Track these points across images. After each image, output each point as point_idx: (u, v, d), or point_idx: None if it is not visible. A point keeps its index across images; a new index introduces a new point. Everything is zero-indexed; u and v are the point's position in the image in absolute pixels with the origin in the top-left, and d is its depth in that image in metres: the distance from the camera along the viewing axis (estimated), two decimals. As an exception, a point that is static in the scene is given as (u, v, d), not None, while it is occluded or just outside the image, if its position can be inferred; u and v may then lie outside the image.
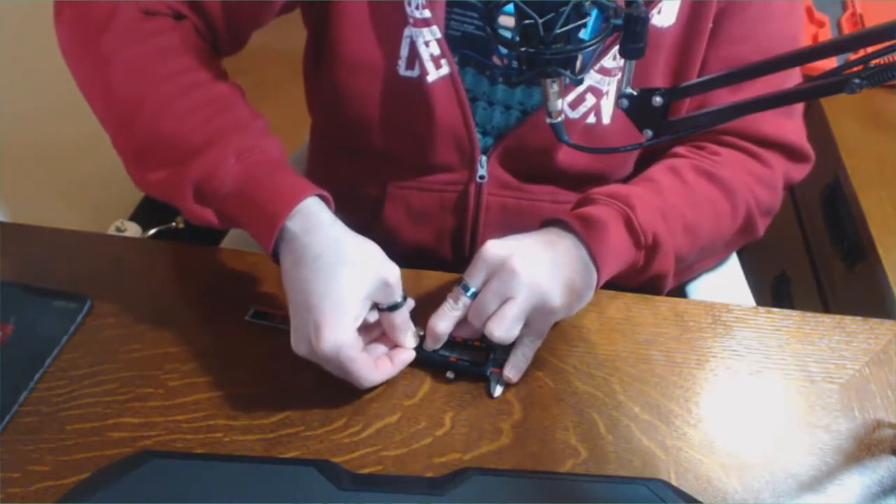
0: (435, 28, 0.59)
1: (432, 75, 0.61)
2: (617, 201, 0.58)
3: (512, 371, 0.54)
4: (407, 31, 0.60)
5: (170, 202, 0.58)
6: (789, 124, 0.67)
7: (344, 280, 0.50)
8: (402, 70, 0.62)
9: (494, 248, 0.53)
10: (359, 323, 0.51)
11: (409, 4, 0.59)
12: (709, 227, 0.63)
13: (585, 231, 0.55)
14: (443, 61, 0.61)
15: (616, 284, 0.60)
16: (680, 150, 0.67)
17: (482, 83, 0.64)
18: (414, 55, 0.61)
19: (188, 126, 0.55)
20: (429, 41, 0.60)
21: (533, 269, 0.52)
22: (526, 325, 0.53)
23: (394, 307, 0.53)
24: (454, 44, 0.62)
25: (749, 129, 0.65)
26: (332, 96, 0.67)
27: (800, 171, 0.68)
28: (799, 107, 0.68)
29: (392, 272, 0.52)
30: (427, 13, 0.59)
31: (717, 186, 0.63)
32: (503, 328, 0.51)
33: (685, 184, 0.62)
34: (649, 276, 0.61)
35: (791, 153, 0.67)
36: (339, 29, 0.62)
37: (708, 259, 0.69)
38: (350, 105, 0.67)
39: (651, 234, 0.58)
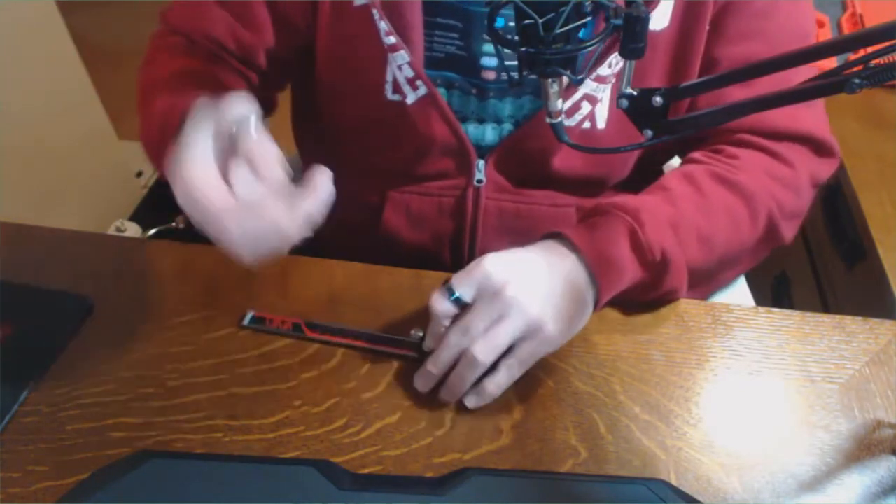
0: (403, 53, 0.60)
1: (410, 97, 0.62)
2: (626, 214, 0.56)
3: (472, 399, 0.52)
4: (388, 58, 0.61)
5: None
6: (807, 114, 0.63)
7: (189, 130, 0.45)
8: (388, 94, 0.63)
9: (493, 269, 0.51)
10: (212, 155, 0.43)
11: (381, 33, 0.60)
12: (726, 236, 0.60)
13: (589, 249, 0.54)
14: (418, 83, 0.61)
15: (623, 301, 0.59)
16: (696, 155, 0.65)
17: (470, 102, 0.65)
18: (396, 80, 0.62)
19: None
20: (401, 65, 0.61)
21: (529, 299, 0.51)
22: (510, 350, 0.52)
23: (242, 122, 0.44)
24: (438, 66, 0.63)
25: (762, 124, 0.63)
26: (323, 123, 0.69)
27: (826, 167, 0.65)
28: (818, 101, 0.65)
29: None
30: (392, 39, 0.59)
31: (734, 192, 0.60)
32: (487, 350, 0.50)
33: (700, 192, 0.60)
34: (661, 293, 0.59)
35: (814, 146, 0.63)
36: (325, 64, 0.64)
37: (731, 270, 0.66)
38: (342, 130, 0.69)
39: (659, 251, 0.56)
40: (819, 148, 0.64)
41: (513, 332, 0.51)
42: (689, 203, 0.59)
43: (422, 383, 0.54)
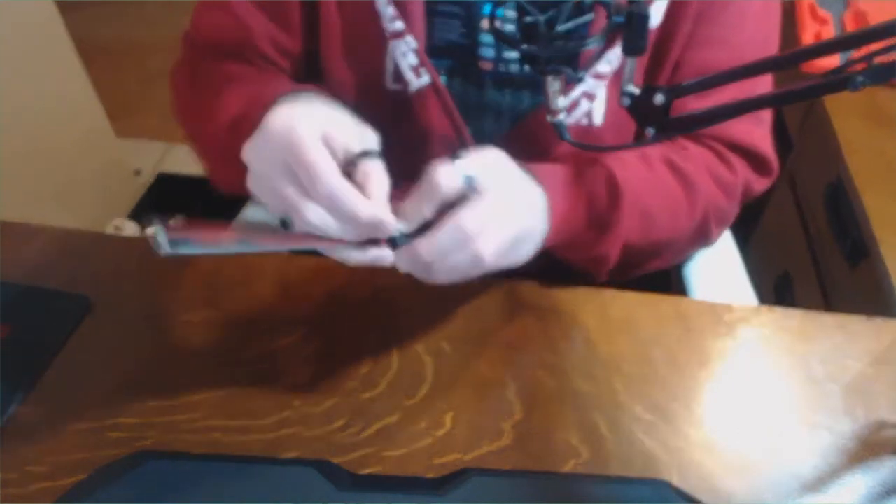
0: (409, 38, 0.59)
1: (413, 85, 0.61)
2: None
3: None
4: (389, 46, 0.60)
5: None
6: (758, 131, 0.65)
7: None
8: (389, 84, 0.62)
9: (505, 166, 0.49)
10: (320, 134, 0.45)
11: (385, 19, 0.59)
12: (665, 220, 0.61)
13: (546, 183, 0.53)
14: (422, 70, 0.61)
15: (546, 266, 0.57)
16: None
17: (471, 91, 0.64)
18: (397, 68, 0.61)
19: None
20: (406, 52, 0.60)
21: (495, 252, 0.47)
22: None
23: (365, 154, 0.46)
24: (440, 53, 0.62)
25: (719, 132, 0.64)
26: None
27: (761, 184, 0.67)
28: (769, 116, 0.67)
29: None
30: (399, 24, 0.59)
31: (679, 180, 0.61)
32: (496, 253, 0.46)
33: (651, 170, 0.61)
34: (593, 255, 0.58)
35: (756, 162, 0.65)
36: (324, 52, 0.63)
37: (657, 259, 0.66)
38: None
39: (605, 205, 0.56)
40: (761, 164, 0.65)
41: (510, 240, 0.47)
42: (639, 177, 0.59)
43: (406, 264, 0.47)
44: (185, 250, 0.37)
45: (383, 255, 0.46)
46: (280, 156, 0.44)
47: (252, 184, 0.47)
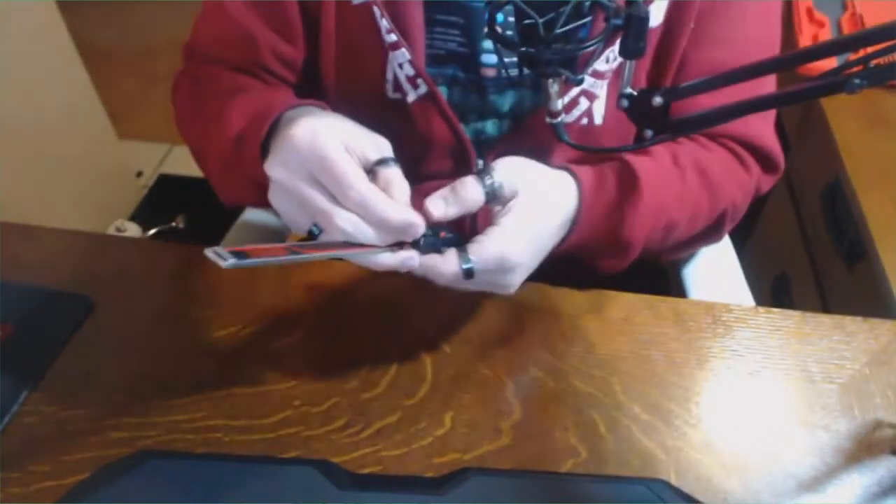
0: (404, 51, 0.59)
1: (411, 95, 0.62)
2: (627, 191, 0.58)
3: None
4: (388, 57, 0.61)
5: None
6: (767, 130, 0.66)
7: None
8: (389, 93, 0.63)
9: (502, 282, 0.50)
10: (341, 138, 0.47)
11: (382, 30, 0.59)
12: (684, 227, 0.62)
13: (584, 199, 0.55)
14: (419, 81, 0.61)
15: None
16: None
17: (471, 98, 0.65)
18: (396, 78, 0.62)
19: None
20: (402, 63, 0.60)
21: (519, 278, 0.51)
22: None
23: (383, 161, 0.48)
24: (441, 62, 0.63)
25: (733, 131, 0.64)
26: None
27: (769, 182, 0.68)
28: (773, 113, 0.68)
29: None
30: (393, 37, 0.59)
31: (707, 187, 0.62)
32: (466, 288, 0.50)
33: (683, 178, 0.61)
34: (603, 264, 0.60)
35: (766, 161, 0.66)
36: (324, 61, 0.64)
37: (668, 254, 0.68)
38: None
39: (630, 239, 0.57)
40: (769, 163, 0.66)
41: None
42: (670, 190, 0.60)
43: (426, 271, 0.49)
44: (244, 263, 0.40)
45: (411, 257, 0.47)
46: (306, 167, 0.45)
47: (276, 198, 0.48)
